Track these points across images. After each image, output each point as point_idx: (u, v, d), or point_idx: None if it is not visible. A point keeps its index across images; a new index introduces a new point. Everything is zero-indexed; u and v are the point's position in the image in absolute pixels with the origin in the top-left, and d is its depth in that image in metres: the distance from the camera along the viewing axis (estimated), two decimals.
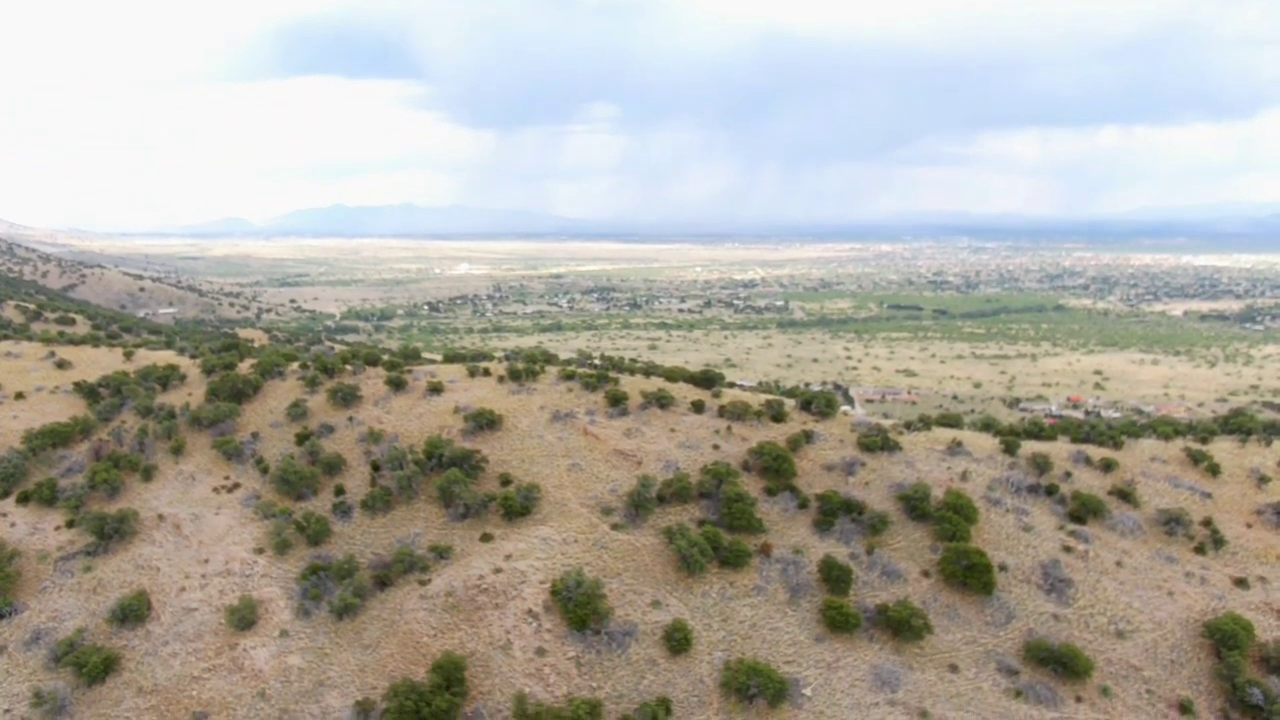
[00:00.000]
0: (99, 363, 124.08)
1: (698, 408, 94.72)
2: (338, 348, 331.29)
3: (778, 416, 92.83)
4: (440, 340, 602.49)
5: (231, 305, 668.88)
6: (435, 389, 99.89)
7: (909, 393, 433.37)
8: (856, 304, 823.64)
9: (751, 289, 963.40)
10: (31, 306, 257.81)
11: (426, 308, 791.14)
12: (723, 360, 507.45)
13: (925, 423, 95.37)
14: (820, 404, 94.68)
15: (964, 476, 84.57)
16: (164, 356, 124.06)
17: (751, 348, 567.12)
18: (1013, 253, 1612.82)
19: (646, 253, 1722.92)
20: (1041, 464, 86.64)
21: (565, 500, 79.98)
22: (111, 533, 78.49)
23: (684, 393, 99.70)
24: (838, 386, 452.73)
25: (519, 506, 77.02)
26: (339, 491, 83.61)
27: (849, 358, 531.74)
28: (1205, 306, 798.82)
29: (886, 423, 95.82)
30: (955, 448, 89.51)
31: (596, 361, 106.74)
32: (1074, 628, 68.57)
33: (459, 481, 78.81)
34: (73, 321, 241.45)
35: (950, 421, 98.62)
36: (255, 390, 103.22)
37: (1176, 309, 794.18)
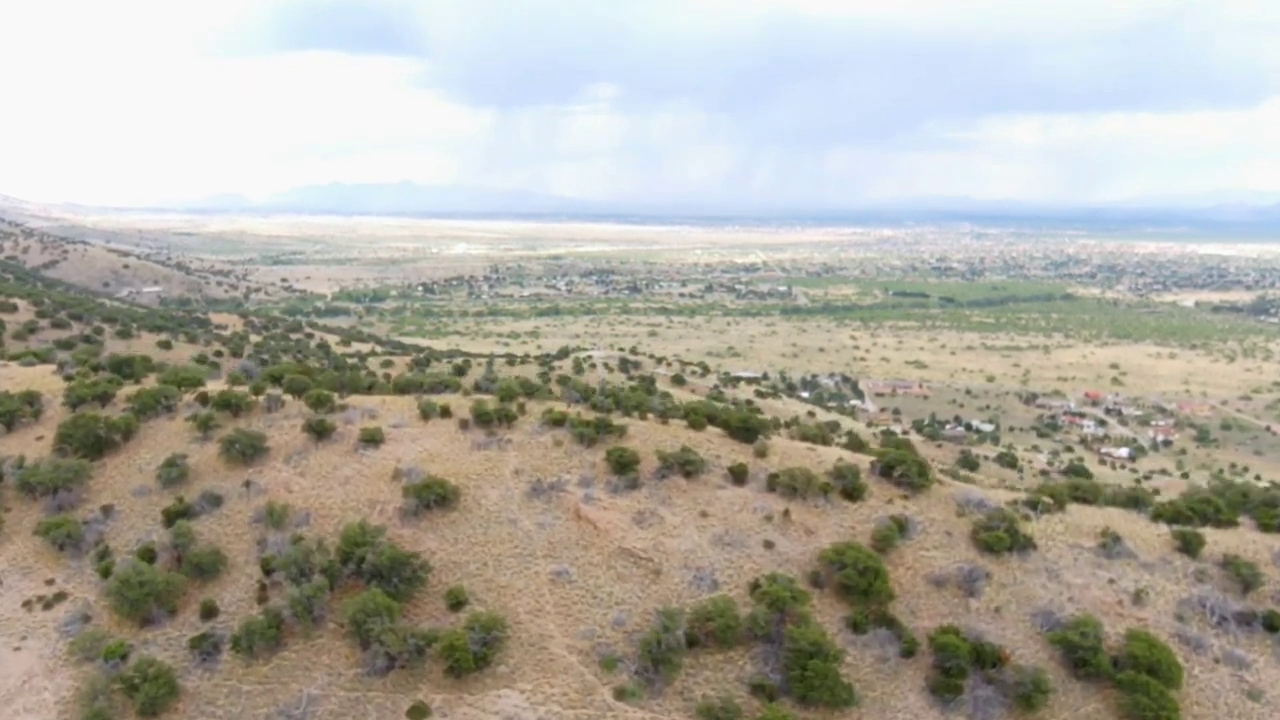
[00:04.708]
0: None
1: (738, 476, 66.76)
2: (319, 335, 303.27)
3: (852, 491, 65.00)
4: (433, 323, 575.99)
5: (219, 284, 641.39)
6: (371, 439, 71.71)
7: (920, 386, 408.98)
8: (860, 290, 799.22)
9: (753, 273, 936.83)
10: None
11: (421, 289, 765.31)
12: (726, 348, 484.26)
13: (1057, 499, 67.47)
14: (912, 472, 66.40)
15: (1138, 598, 57.05)
16: (34, 376, 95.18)
17: (755, 335, 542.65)
18: (1015, 239, 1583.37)
19: (646, 234, 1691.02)
20: (1246, 575, 58.95)
21: (545, 638, 52.41)
22: None
23: (716, 447, 71.72)
24: (846, 378, 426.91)
25: (471, 659, 49.27)
26: (207, 613, 55.67)
27: (856, 347, 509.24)
28: (1216, 297, 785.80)
29: (1002, 497, 68.05)
30: (1111, 544, 61.93)
31: (596, 398, 78.71)
32: None
33: (380, 613, 50.88)
34: (14, 308, 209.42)
35: (1086, 494, 70.70)
36: (126, 436, 74.88)
37: (1187, 299, 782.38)
